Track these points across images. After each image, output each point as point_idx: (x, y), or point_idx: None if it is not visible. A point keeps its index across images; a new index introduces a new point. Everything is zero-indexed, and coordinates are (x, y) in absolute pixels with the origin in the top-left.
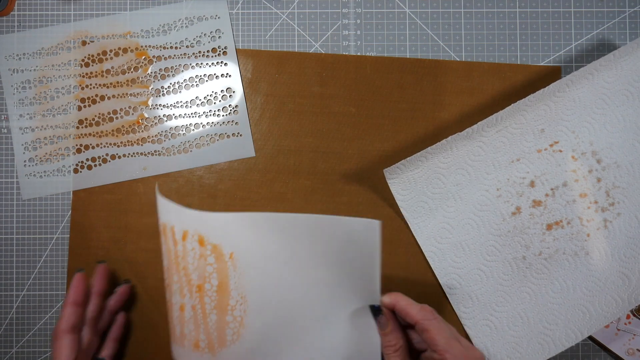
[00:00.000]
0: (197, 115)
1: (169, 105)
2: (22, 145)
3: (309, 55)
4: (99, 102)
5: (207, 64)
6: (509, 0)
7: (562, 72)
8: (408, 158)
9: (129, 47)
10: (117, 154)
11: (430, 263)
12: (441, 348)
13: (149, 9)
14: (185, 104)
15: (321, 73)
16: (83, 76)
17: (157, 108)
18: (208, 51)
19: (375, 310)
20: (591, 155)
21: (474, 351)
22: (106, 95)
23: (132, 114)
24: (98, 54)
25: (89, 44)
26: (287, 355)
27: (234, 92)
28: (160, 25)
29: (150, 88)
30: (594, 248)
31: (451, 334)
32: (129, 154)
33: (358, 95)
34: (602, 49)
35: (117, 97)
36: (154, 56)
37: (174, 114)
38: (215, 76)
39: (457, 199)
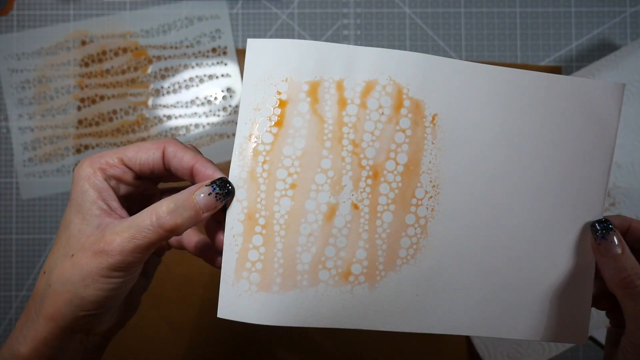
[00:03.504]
0: (197, 116)
1: (168, 105)
2: (22, 145)
3: None
4: (98, 102)
5: (207, 64)
6: (509, 0)
7: (562, 72)
8: None
9: (129, 47)
10: None
11: None
12: None
13: (149, 9)
14: (185, 104)
15: None
16: (82, 76)
17: (157, 108)
18: (208, 51)
19: (601, 227)
20: None
21: None
22: (106, 95)
23: (132, 114)
24: (98, 54)
25: (88, 43)
26: (468, 288)
27: (234, 92)
28: (160, 25)
29: (150, 88)
30: None
31: None
32: None
33: None
34: (602, 49)
35: (117, 97)
36: (153, 56)
37: (174, 114)
38: (215, 76)
39: None
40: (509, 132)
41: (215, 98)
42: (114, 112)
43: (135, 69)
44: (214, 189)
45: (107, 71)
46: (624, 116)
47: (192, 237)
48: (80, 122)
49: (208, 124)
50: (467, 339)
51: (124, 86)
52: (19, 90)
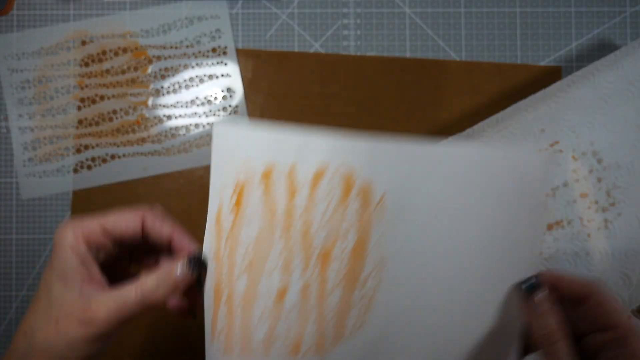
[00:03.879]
0: (197, 115)
1: (168, 105)
2: (22, 145)
3: (309, 55)
4: (98, 102)
5: (207, 64)
6: (509, 0)
7: (562, 72)
8: None
9: (129, 47)
10: (117, 154)
11: None
12: (624, 323)
13: (149, 9)
14: (185, 104)
15: (321, 73)
16: (82, 76)
17: (157, 108)
18: (208, 51)
19: (530, 285)
20: (592, 155)
21: None
22: (106, 95)
23: (132, 114)
24: (98, 54)
25: (88, 43)
26: (411, 349)
27: (234, 92)
28: (160, 25)
29: (150, 88)
30: (594, 248)
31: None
32: (128, 154)
33: (358, 95)
34: (602, 49)
35: (117, 97)
36: (153, 56)
37: (174, 114)
38: (215, 76)
39: None
40: (450, 204)
41: (215, 98)
42: (114, 112)
43: (135, 69)
44: (190, 262)
45: (107, 71)
46: (624, 116)
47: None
48: (80, 122)
49: (208, 124)
50: None
51: (124, 86)
52: (19, 90)
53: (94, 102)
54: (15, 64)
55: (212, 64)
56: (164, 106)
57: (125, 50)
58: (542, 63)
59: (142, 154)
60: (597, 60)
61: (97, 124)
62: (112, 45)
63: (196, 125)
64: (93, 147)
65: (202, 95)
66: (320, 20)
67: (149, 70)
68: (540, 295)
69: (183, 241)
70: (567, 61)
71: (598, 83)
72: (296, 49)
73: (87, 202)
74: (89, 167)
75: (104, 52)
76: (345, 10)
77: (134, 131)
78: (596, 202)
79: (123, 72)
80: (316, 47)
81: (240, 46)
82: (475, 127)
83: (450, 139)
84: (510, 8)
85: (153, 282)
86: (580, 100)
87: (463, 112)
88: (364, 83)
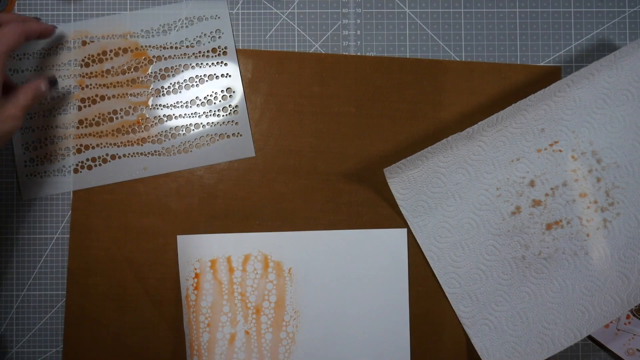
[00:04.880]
0: (197, 116)
1: (169, 105)
2: (23, 145)
3: (309, 55)
4: (99, 102)
5: (207, 64)
6: (509, 0)
7: (562, 72)
8: (408, 157)
9: (129, 47)
10: (117, 154)
11: (429, 262)
12: None
13: (149, 9)
14: (185, 104)
15: (321, 73)
16: (83, 76)
17: (157, 108)
18: (208, 51)
19: None
20: (591, 155)
21: None
22: (106, 95)
23: (132, 114)
24: (98, 54)
25: (89, 44)
26: None
27: (234, 92)
28: (160, 25)
29: (150, 88)
30: (593, 248)
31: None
32: (129, 154)
33: (358, 95)
34: (602, 49)
35: (117, 97)
36: (153, 56)
37: (174, 114)
38: (215, 76)
39: (456, 198)
40: (339, 271)
41: (215, 98)
42: (115, 112)
43: (136, 69)
44: (49, 82)
45: (108, 71)
46: (624, 116)
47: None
48: (80, 122)
49: (208, 123)
50: (467, 339)
51: (125, 86)
52: None
53: (94, 102)
54: (17, 64)
55: (212, 64)
56: (164, 106)
57: (125, 51)
58: (542, 63)
59: (142, 154)
60: (597, 60)
61: (97, 124)
62: (113, 45)
63: (196, 125)
64: (93, 147)
65: (202, 95)
66: (320, 20)
67: (149, 70)
68: None
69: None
70: (567, 61)
71: (597, 83)
72: (296, 49)
73: (87, 202)
74: (89, 167)
75: (104, 52)
76: (345, 10)
77: (134, 131)
78: (595, 202)
79: (123, 72)
80: (316, 47)
81: (240, 46)
82: (475, 126)
83: (450, 138)
84: (510, 8)
85: (31, 92)
86: (580, 100)
87: (463, 112)
88: (364, 83)
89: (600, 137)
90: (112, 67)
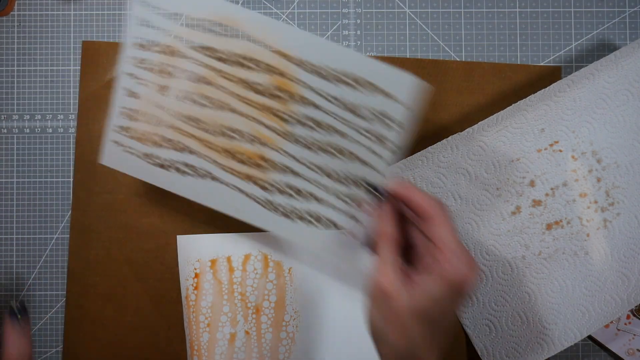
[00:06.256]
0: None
1: (300, 159)
2: (121, 108)
3: None
4: (224, 110)
5: (364, 145)
6: (509, 0)
7: (562, 72)
8: (408, 158)
9: (275, 69)
10: (218, 177)
11: None
12: (442, 244)
13: (321, 40)
14: (318, 171)
15: None
16: (212, 69)
17: (284, 155)
18: (371, 134)
19: (380, 193)
20: (591, 155)
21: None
22: (235, 107)
23: (253, 144)
24: (241, 55)
25: (233, 37)
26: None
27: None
28: (331, 68)
29: (287, 130)
30: (593, 248)
31: (457, 235)
32: (230, 183)
33: None
34: (602, 49)
35: (245, 117)
36: (302, 97)
37: (301, 174)
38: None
39: (457, 198)
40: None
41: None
42: (236, 130)
43: (277, 98)
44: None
45: (243, 81)
46: (624, 116)
47: None
48: (190, 118)
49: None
50: (467, 339)
51: (259, 109)
52: (143, 49)
53: (221, 107)
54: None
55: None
56: (293, 157)
57: (269, 71)
58: (542, 63)
59: (241, 190)
60: (597, 60)
61: (206, 130)
62: (259, 55)
63: (319, 200)
64: (193, 153)
65: (341, 175)
66: (320, 20)
67: (293, 109)
68: (385, 202)
69: None
70: (567, 61)
71: (597, 83)
72: None
73: (87, 202)
74: (183, 173)
75: (245, 57)
76: (345, 10)
77: (245, 163)
78: (595, 202)
79: (260, 92)
80: None
81: None
82: (475, 126)
83: (450, 138)
84: (510, 8)
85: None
86: (580, 101)
87: (463, 112)
88: None
89: (601, 137)
90: (248, 79)
